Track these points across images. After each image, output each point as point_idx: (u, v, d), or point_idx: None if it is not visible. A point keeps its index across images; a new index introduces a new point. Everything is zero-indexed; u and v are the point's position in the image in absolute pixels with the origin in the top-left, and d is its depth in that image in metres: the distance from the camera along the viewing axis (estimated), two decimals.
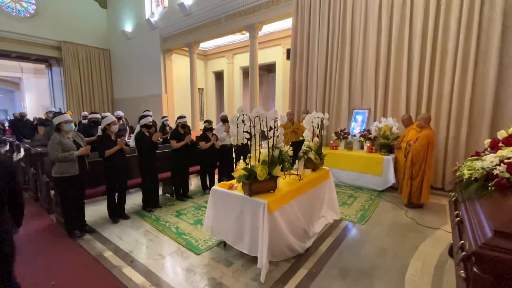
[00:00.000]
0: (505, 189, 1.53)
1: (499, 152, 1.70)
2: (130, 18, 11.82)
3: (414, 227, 3.46)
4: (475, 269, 1.21)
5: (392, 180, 4.69)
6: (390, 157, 4.77)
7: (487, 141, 1.97)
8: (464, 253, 1.46)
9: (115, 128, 3.63)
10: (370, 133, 5.31)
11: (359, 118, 5.91)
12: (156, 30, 10.57)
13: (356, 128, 5.89)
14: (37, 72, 17.40)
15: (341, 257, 2.77)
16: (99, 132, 3.54)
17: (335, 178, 5.16)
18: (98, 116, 4.95)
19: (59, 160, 3.00)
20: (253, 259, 2.58)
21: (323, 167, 3.71)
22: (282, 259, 2.66)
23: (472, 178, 1.74)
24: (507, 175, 1.55)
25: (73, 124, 3.16)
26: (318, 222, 3.38)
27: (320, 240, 3.11)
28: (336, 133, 5.75)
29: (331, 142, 5.76)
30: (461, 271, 1.40)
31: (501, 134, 1.86)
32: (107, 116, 3.75)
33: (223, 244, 2.98)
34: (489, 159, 1.68)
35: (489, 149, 1.92)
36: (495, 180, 1.57)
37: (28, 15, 11.19)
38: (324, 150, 3.68)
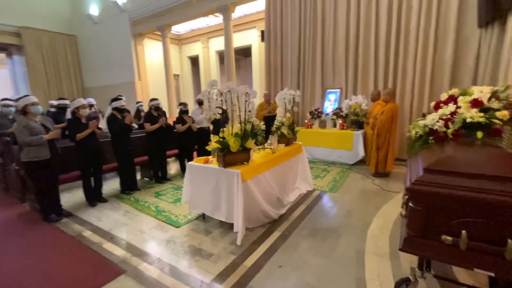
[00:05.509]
0: (443, 141, 1.76)
1: (440, 111, 1.93)
2: (96, 0, 11.11)
3: (379, 192, 3.79)
4: (410, 204, 1.43)
5: (361, 153, 5.01)
6: (360, 132, 5.07)
7: (432, 104, 2.20)
8: (406, 196, 1.69)
9: (84, 111, 3.54)
10: (342, 111, 5.58)
11: (332, 97, 6.15)
12: (124, 13, 10.04)
13: (329, 107, 6.14)
14: None
15: (311, 220, 3.01)
16: (68, 116, 3.45)
17: (309, 155, 5.42)
18: (67, 101, 4.76)
19: (27, 144, 2.92)
20: (231, 228, 2.73)
21: (296, 142, 3.91)
22: (257, 225, 2.85)
23: (418, 136, 1.97)
24: (444, 129, 1.78)
25: (40, 107, 3.06)
26: (293, 193, 3.59)
27: (294, 207, 3.34)
28: (310, 113, 5.96)
29: (306, 121, 5.97)
30: (403, 210, 1.63)
31: (443, 96, 2.10)
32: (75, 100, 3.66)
33: (202, 217, 3.11)
34: (431, 117, 1.90)
35: (433, 110, 2.15)
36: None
37: None
38: (299, 129, 3.86)
